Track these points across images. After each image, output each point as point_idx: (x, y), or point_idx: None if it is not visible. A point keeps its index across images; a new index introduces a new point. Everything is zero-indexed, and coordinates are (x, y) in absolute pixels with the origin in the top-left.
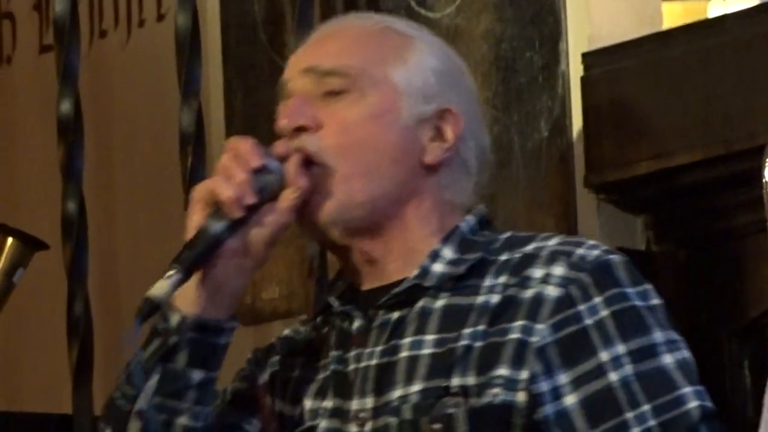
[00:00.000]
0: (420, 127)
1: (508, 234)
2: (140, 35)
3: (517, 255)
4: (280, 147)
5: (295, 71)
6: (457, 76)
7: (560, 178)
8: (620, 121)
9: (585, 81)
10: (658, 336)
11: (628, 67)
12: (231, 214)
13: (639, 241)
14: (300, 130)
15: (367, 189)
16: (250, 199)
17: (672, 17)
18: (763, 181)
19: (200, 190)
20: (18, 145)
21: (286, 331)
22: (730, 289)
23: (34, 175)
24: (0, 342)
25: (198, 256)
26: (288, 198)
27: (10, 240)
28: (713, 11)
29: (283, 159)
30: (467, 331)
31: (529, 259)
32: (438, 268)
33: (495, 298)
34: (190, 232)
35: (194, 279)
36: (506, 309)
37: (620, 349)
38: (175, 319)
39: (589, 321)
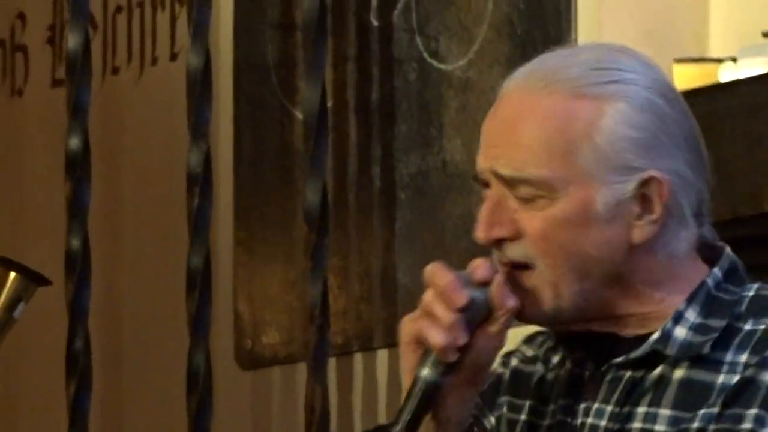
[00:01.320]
0: (621, 210)
1: (753, 291)
2: (153, 73)
3: (762, 326)
4: (480, 272)
5: (486, 164)
6: (663, 128)
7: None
8: None
9: None
10: None
11: None
12: (446, 359)
13: None
14: (500, 241)
15: (574, 290)
16: (462, 341)
17: (684, 79)
18: None
19: (408, 333)
20: (25, 177)
21: (514, 361)
22: None
23: (40, 208)
24: None
25: (419, 413)
26: (499, 322)
27: (12, 274)
28: (724, 75)
29: (485, 282)
30: (702, 412)
31: None
32: (681, 333)
33: (734, 378)
34: (406, 376)
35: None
36: (743, 392)
37: None
38: None
39: None
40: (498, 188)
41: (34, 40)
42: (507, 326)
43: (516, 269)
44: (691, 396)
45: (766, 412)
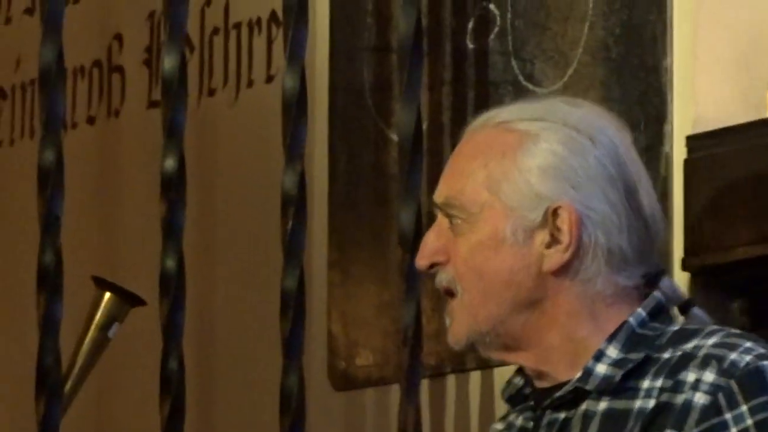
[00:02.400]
0: (530, 238)
1: (677, 327)
2: (248, 95)
3: (678, 353)
4: None
5: (433, 199)
6: (575, 162)
7: (659, 259)
8: (721, 205)
9: (688, 163)
10: None
11: (731, 152)
12: None
13: (734, 325)
14: (433, 266)
15: (486, 314)
16: None
17: None
18: None
19: None
20: (121, 198)
21: (498, 426)
22: None
23: (135, 229)
24: (94, 395)
25: None
26: None
27: (107, 295)
28: None
29: None
30: None
31: (686, 360)
32: (601, 369)
33: (651, 403)
34: None
35: None
36: (658, 415)
37: None
38: None
39: (734, 430)
40: (439, 218)
41: (131, 61)
42: None
43: (447, 295)
44: (613, 424)
45: (677, 430)
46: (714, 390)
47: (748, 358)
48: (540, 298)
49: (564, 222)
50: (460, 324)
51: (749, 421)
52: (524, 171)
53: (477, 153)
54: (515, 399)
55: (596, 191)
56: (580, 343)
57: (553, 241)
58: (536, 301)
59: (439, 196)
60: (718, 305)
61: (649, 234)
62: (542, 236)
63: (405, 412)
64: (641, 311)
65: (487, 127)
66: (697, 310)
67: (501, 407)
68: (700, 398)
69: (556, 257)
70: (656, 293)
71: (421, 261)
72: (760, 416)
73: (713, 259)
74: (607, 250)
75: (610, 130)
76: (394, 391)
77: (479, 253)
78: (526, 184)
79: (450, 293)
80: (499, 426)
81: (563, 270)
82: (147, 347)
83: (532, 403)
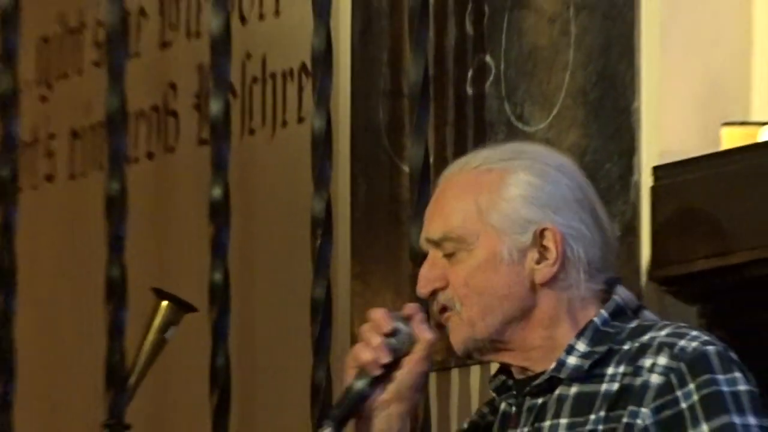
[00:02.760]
0: (523, 257)
1: (635, 324)
2: (283, 134)
3: (636, 344)
4: (407, 309)
5: (423, 238)
6: (554, 191)
7: (630, 271)
8: (682, 225)
9: (654, 190)
10: (737, 418)
11: (691, 180)
12: (371, 373)
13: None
14: (434, 292)
15: (485, 325)
16: (385, 359)
17: (730, 139)
18: None
19: (349, 359)
20: (176, 222)
21: (473, 416)
22: None
23: (188, 247)
24: (153, 387)
25: (346, 411)
26: (419, 350)
27: (164, 303)
28: (764, 136)
29: (409, 318)
30: (593, 417)
31: (643, 349)
32: (572, 361)
33: (615, 386)
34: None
35: (357, 429)
36: (622, 396)
37: (704, 428)
38: None
39: (684, 405)
40: (432, 252)
41: (183, 105)
42: (427, 355)
43: (444, 312)
44: (583, 405)
45: (637, 406)
46: (667, 372)
47: (694, 344)
48: (530, 307)
49: (550, 241)
50: (459, 335)
51: (695, 397)
52: (510, 201)
53: (463, 193)
54: (500, 389)
55: (571, 213)
56: (557, 340)
57: (542, 257)
58: (526, 310)
59: (434, 233)
60: (680, 310)
61: (609, 245)
62: (532, 254)
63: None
64: (604, 312)
65: (465, 171)
66: (647, 312)
67: None
68: (655, 379)
69: (545, 271)
70: (616, 297)
71: (423, 289)
72: (705, 391)
73: (676, 271)
74: (585, 261)
75: (567, 162)
76: None
77: (480, 274)
78: (513, 211)
79: (445, 309)
80: (486, 409)
81: (551, 281)
82: (198, 347)
83: (514, 392)
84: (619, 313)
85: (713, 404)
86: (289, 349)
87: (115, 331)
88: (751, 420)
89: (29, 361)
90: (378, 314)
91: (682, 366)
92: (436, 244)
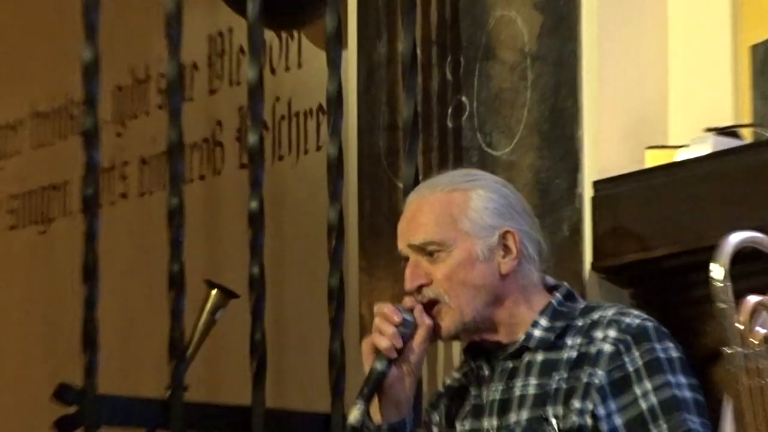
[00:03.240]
0: (493, 254)
1: (583, 305)
2: (306, 159)
3: (588, 321)
4: (407, 302)
5: (404, 245)
6: (508, 202)
7: (576, 263)
8: (616, 227)
9: (594, 200)
10: (671, 377)
11: (623, 192)
12: (390, 356)
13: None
14: (420, 287)
15: (471, 310)
16: (399, 344)
17: (653, 159)
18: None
19: (366, 346)
20: (222, 229)
21: (447, 381)
22: (686, 340)
23: (232, 249)
24: (206, 356)
25: (373, 390)
26: (421, 334)
27: (214, 291)
28: (680, 156)
29: (411, 309)
30: (556, 377)
31: (595, 325)
32: (537, 333)
33: (574, 353)
34: (366, 372)
35: (380, 400)
36: (580, 361)
37: (648, 386)
38: (374, 429)
39: (630, 368)
40: (413, 256)
41: (227, 138)
42: (427, 337)
43: (431, 304)
44: (549, 368)
45: (593, 368)
46: (616, 342)
47: (637, 321)
48: (500, 293)
49: (511, 241)
50: (450, 321)
51: (639, 362)
52: (477, 211)
53: (439, 208)
54: (475, 358)
55: (521, 219)
56: (517, 317)
57: (506, 253)
58: (497, 296)
59: (416, 240)
60: (616, 293)
61: (543, 245)
62: (499, 251)
63: None
64: (559, 295)
65: (436, 192)
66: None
67: None
68: (607, 348)
69: (509, 264)
70: (565, 284)
71: (410, 285)
72: (647, 357)
73: (612, 263)
74: (533, 256)
75: (507, 183)
76: None
77: (461, 270)
78: (481, 219)
79: (432, 302)
80: (458, 374)
81: (513, 272)
82: (240, 325)
83: (483, 363)
84: (569, 297)
85: (653, 367)
86: (311, 327)
87: (175, 314)
88: (682, 379)
89: (109, 337)
90: (388, 309)
91: (628, 338)
92: (419, 248)
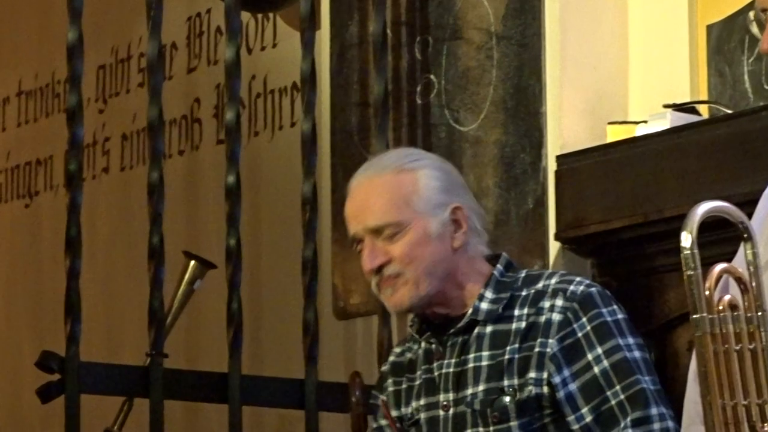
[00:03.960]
0: (445, 229)
1: (524, 273)
2: (280, 135)
3: (532, 291)
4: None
5: (358, 228)
6: (453, 180)
7: (540, 234)
8: (578, 199)
9: (558, 174)
10: (621, 340)
11: (585, 166)
12: None
13: (587, 275)
14: (380, 267)
15: (427, 284)
16: None
17: (614, 134)
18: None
19: None
20: (201, 202)
21: (391, 358)
22: (645, 307)
23: (210, 221)
24: (185, 325)
25: None
26: None
27: (192, 262)
28: (640, 131)
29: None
30: (509, 348)
31: (540, 294)
32: (484, 306)
33: (523, 324)
34: None
35: None
36: (530, 331)
37: (599, 350)
38: None
39: (580, 334)
40: (368, 238)
41: (205, 115)
42: None
43: (391, 279)
44: (499, 340)
45: (545, 338)
46: (564, 311)
47: (581, 287)
48: (452, 267)
49: (459, 216)
50: (405, 293)
51: (588, 327)
52: (427, 190)
53: (390, 190)
54: (420, 332)
55: (465, 194)
56: (467, 290)
57: (456, 228)
58: (450, 270)
59: (372, 222)
60: (578, 262)
61: (484, 217)
62: (450, 227)
63: (381, 333)
64: (500, 266)
65: (384, 174)
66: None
67: None
68: (556, 317)
69: (460, 238)
70: (504, 254)
71: (371, 265)
72: (595, 323)
73: (575, 233)
74: (479, 229)
75: (443, 159)
76: (375, 320)
77: (418, 247)
78: (430, 198)
79: (392, 277)
80: (399, 350)
81: (462, 246)
82: (218, 295)
83: (431, 334)
84: (509, 266)
85: (602, 331)
86: (286, 296)
87: (155, 284)
88: (630, 339)
89: (91, 307)
90: None
91: (575, 305)
92: (376, 231)
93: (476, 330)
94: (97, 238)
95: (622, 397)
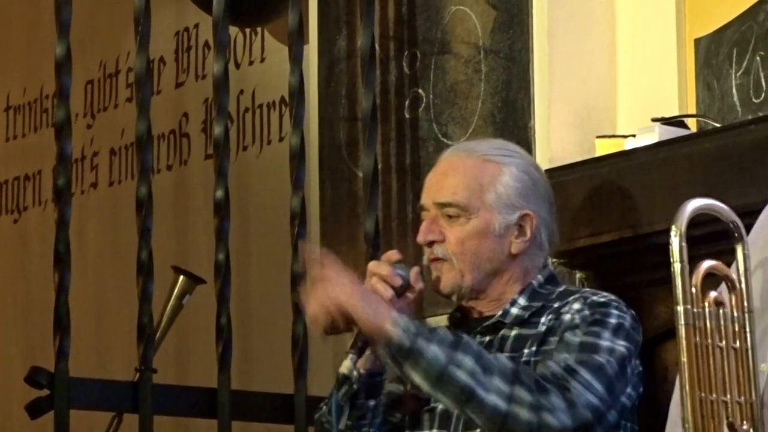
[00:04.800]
0: (508, 231)
1: (563, 288)
2: (269, 149)
3: (564, 303)
4: (393, 255)
5: (428, 200)
6: (534, 187)
7: None
8: (567, 213)
9: None
10: (608, 334)
11: (573, 179)
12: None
13: (576, 286)
14: (432, 243)
15: (471, 277)
16: (396, 305)
17: (602, 148)
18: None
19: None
20: (191, 216)
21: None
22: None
23: (200, 235)
24: (174, 340)
25: (366, 344)
26: (414, 294)
27: (181, 277)
28: (628, 145)
29: (398, 261)
30: (526, 351)
31: (566, 305)
32: (514, 311)
33: (543, 329)
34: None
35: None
36: (547, 335)
37: (582, 329)
38: (355, 375)
39: (578, 321)
40: (434, 211)
41: (194, 130)
42: (416, 299)
43: (438, 261)
44: (520, 343)
45: (554, 336)
46: (576, 312)
47: (602, 299)
48: (502, 269)
49: (527, 223)
50: (448, 280)
51: (589, 319)
52: (506, 187)
53: (470, 173)
54: (456, 324)
55: (544, 205)
56: (507, 293)
57: (520, 234)
58: (499, 271)
59: (442, 197)
60: (567, 274)
61: (557, 232)
62: (513, 231)
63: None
64: (540, 277)
65: (471, 157)
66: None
67: None
68: (567, 317)
69: (520, 245)
70: (550, 267)
71: (424, 238)
72: (596, 316)
73: (564, 247)
74: (545, 242)
75: (539, 166)
76: None
77: (475, 239)
78: (507, 197)
79: (438, 259)
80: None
81: (521, 253)
82: (207, 310)
83: (466, 329)
84: (551, 280)
85: (597, 323)
86: (275, 311)
87: (144, 299)
88: (621, 341)
89: (80, 323)
90: (386, 270)
91: (586, 308)
92: (442, 206)
93: (501, 332)
94: (86, 253)
95: (571, 361)
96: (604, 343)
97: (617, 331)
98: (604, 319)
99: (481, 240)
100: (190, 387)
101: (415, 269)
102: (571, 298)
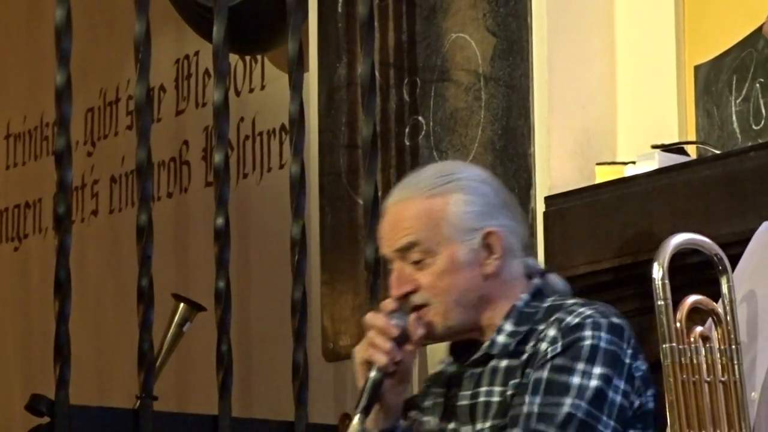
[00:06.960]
0: (476, 256)
1: (548, 303)
2: (269, 177)
3: (547, 324)
4: (389, 305)
5: (388, 251)
6: (486, 202)
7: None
8: (567, 240)
9: (546, 215)
10: (580, 365)
11: (573, 207)
12: (387, 370)
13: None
14: (407, 294)
15: (457, 313)
16: (398, 357)
17: (602, 175)
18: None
19: (360, 358)
20: (190, 244)
21: (436, 369)
22: None
23: (200, 263)
24: (175, 367)
25: (371, 401)
26: (414, 343)
27: (182, 304)
28: (628, 172)
29: (395, 311)
30: (512, 383)
31: (547, 327)
32: (500, 339)
33: (525, 357)
34: (360, 383)
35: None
36: (527, 362)
37: (552, 363)
38: None
39: (550, 355)
40: (398, 263)
41: (194, 157)
42: (419, 345)
43: (419, 308)
44: (509, 375)
45: (534, 368)
46: (550, 342)
47: (577, 319)
48: (485, 294)
49: (492, 241)
50: (437, 323)
51: (559, 349)
52: (457, 216)
53: (418, 213)
54: (450, 363)
55: (501, 214)
56: (495, 320)
57: (489, 254)
58: (483, 297)
59: (399, 243)
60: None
61: (525, 227)
62: (482, 253)
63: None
64: (525, 296)
65: (415, 198)
66: (551, 276)
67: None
68: (543, 346)
69: (493, 264)
70: (536, 281)
71: (397, 293)
72: (568, 343)
73: (564, 274)
74: (519, 248)
75: (484, 174)
76: None
77: (446, 276)
78: (461, 223)
79: (419, 307)
80: (439, 368)
81: (495, 272)
82: (207, 338)
83: (453, 360)
84: (537, 295)
85: (569, 350)
86: (276, 338)
87: (145, 326)
88: (596, 369)
89: (81, 350)
90: (382, 322)
91: (560, 335)
92: (402, 253)
93: (492, 362)
94: (86, 281)
95: (535, 409)
96: (575, 379)
97: (592, 356)
98: (577, 344)
99: (454, 275)
100: (191, 414)
101: (413, 316)
102: (552, 318)
